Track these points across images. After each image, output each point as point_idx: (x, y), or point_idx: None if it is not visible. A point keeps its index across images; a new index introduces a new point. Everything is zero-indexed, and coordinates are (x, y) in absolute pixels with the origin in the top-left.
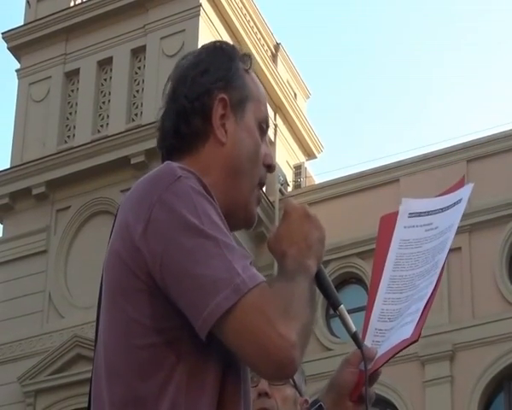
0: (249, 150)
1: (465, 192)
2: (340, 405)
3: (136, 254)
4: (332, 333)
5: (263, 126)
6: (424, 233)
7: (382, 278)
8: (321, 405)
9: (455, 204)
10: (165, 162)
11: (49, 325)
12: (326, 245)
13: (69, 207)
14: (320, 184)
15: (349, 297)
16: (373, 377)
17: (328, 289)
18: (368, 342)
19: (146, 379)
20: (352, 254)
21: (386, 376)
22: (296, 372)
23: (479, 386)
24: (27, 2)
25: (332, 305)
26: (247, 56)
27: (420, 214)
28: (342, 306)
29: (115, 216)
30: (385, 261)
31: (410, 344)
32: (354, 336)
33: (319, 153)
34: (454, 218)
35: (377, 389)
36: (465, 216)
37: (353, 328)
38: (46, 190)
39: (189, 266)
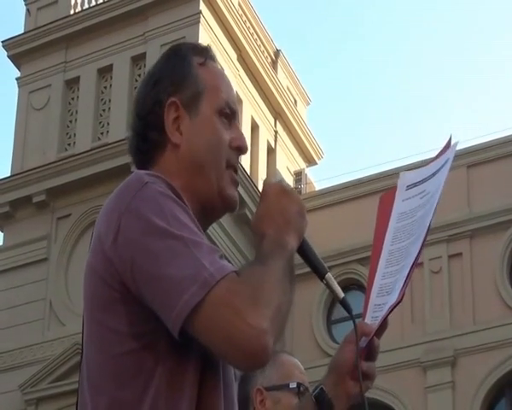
0: (206, 141)
1: (451, 151)
2: (342, 384)
3: (107, 264)
4: (333, 339)
5: (226, 112)
6: (419, 201)
7: (382, 254)
8: (322, 388)
9: (443, 165)
10: (134, 172)
11: (50, 332)
12: (327, 251)
13: (69, 215)
14: (320, 190)
15: (350, 303)
16: (372, 352)
17: (313, 260)
18: (368, 319)
19: (126, 386)
20: (353, 261)
21: (388, 382)
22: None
23: (480, 392)
24: (27, 10)
25: (318, 274)
26: (204, 48)
27: (415, 184)
28: (329, 274)
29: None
30: (384, 239)
31: (395, 307)
32: (343, 302)
33: (319, 159)
34: (441, 178)
35: (379, 395)
36: (466, 222)
37: (341, 294)
38: (46, 198)
39: (156, 269)
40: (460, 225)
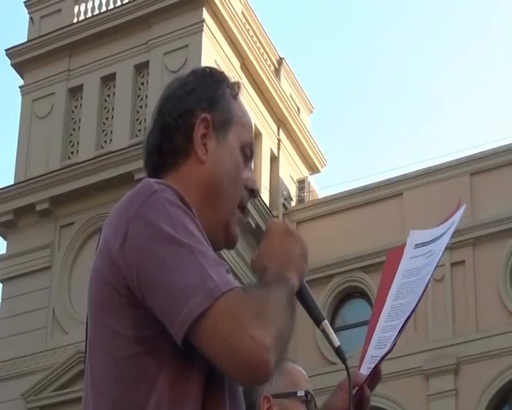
0: (230, 171)
1: (458, 214)
2: None
3: (114, 269)
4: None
5: (246, 151)
6: (424, 260)
7: (384, 308)
8: None
9: (449, 228)
10: (144, 179)
11: (53, 341)
12: (329, 259)
13: (73, 223)
14: (323, 198)
15: (353, 311)
16: (362, 401)
17: (311, 305)
18: (363, 370)
19: (129, 390)
20: (356, 269)
21: (391, 390)
22: (270, 378)
23: (483, 400)
24: (31, 18)
25: (315, 320)
26: (236, 84)
27: (424, 244)
28: (325, 321)
29: (99, 235)
30: (388, 293)
31: (384, 356)
32: (338, 351)
33: (322, 167)
34: (446, 239)
35: (382, 402)
36: (468, 230)
37: (337, 342)
38: (50, 206)
39: (162, 275)
40: (463, 233)
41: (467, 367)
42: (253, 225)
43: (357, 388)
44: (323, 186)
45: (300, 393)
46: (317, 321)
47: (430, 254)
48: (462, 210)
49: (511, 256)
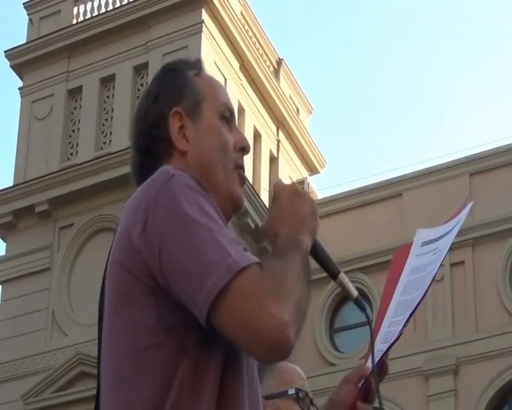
0: (213, 145)
1: (465, 211)
2: None
3: (135, 256)
4: (336, 349)
5: (226, 115)
6: (430, 257)
7: (391, 304)
8: None
9: (456, 225)
10: (161, 167)
11: (53, 342)
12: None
13: (72, 224)
14: (323, 199)
15: (352, 312)
16: (368, 394)
17: (326, 261)
18: (370, 364)
19: (150, 379)
20: (355, 269)
21: (390, 390)
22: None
23: (483, 400)
24: (30, 20)
25: (331, 275)
26: (196, 61)
27: (430, 242)
28: (342, 273)
29: (116, 226)
30: (394, 290)
31: (391, 347)
32: (357, 301)
33: (322, 168)
34: (452, 236)
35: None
36: (468, 230)
37: (355, 293)
38: (49, 207)
39: (182, 257)
40: (462, 233)
41: (466, 368)
42: (253, 226)
43: (363, 380)
44: (323, 187)
45: (291, 391)
46: (334, 275)
47: (436, 252)
48: (468, 208)
49: (510, 257)
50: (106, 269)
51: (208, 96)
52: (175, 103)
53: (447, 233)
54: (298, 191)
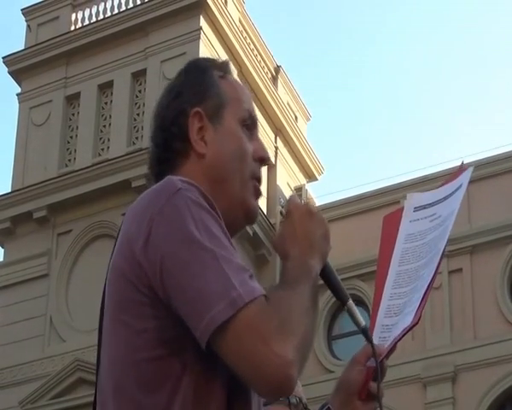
0: (231, 151)
1: (465, 177)
2: (349, 405)
3: (137, 268)
4: (333, 355)
5: (247, 123)
6: (429, 224)
7: (388, 274)
8: (329, 407)
9: (456, 190)
10: (167, 177)
11: (51, 348)
12: None
13: (70, 230)
14: (321, 206)
15: (350, 319)
16: (381, 372)
17: (336, 285)
18: (375, 339)
19: (153, 392)
20: (353, 277)
21: (388, 398)
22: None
23: (481, 408)
24: (28, 26)
25: (340, 300)
26: (223, 62)
27: (424, 207)
28: (350, 301)
29: (118, 231)
30: (390, 259)
31: (411, 329)
32: (364, 331)
33: (320, 175)
34: (455, 203)
35: None
36: (466, 237)
37: (362, 322)
38: (47, 213)
39: (186, 279)
40: (460, 241)
41: (464, 375)
42: (251, 233)
43: (373, 359)
44: (321, 194)
45: (282, 397)
46: (343, 301)
47: (435, 218)
48: (469, 172)
49: (509, 264)
50: (107, 276)
51: (231, 101)
52: (197, 103)
53: (445, 198)
54: (312, 212)
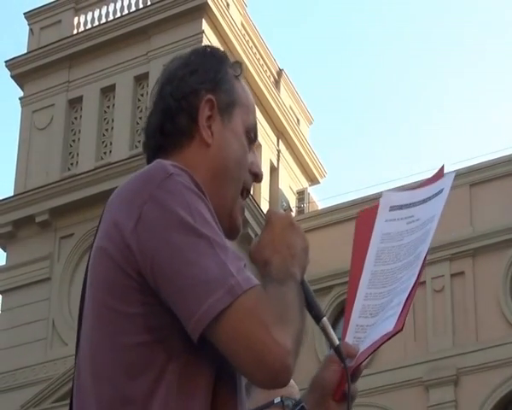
0: (236, 154)
1: (446, 182)
2: (323, 404)
3: (126, 251)
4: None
5: (250, 134)
6: (406, 226)
7: (363, 273)
8: (303, 406)
9: (436, 194)
10: (156, 160)
11: (53, 352)
12: (329, 270)
13: (72, 234)
14: (323, 209)
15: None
16: (355, 374)
17: (311, 301)
18: (349, 339)
19: (135, 379)
20: None
21: (390, 401)
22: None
23: None
24: (31, 30)
25: (315, 317)
26: (238, 64)
27: (401, 207)
28: (325, 318)
29: (101, 216)
30: (365, 256)
31: (394, 335)
32: (337, 350)
33: (322, 178)
34: (436, 208)
35: None
36: (468, 241)
37: (336, 341)
38: (49, 217)
39: (180, 266)
40: (462, 244)
41: (467, 378)
42: (253, 236)
43: (349, 359)
44: (323, 197)
45: (277, 400)
46: (317, 318)
47: (412, 220)
48: (451, 178)
49: (511, 267)
50: (89, 260)
51: (242, 105)
52: (210, 90)
53: (423, 201)
54: (293, 223)
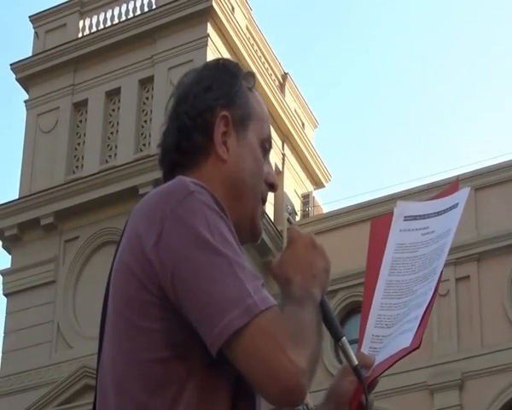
0: (251, 168)
1: (461, 196)
2: None
3: (147, 266)
4: (341, 362)
5: (265, 146)
6: (420, 237)
7: (378, 282)
8: None
9: (451, 208)
10: (178, 177)
11: (58, 355)
12: (334, 274)
13: (77, 237)
14: (328, 213)
15: (356, 326)
16: (371, 384)
17: (331, 321)
18: (365, 349)
19: (155, 394)
20: (360, 284)
21: (395, 405)
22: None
23: None
24: (36, 33)
25: (334, 337)
26: (251, 75)
27: (415, 218)
28: (344, 338)
29: (123, 229)
30: (380, 265)
31: (411, 352)
32: (356, 370)
33: (327, 182)
34: (451, 222)
35: None
36: (473, 245)
37: (355, 361)
38: (54, 220)
39: (200, 283)
40: (467, 248)
41: (472, 383)
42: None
43: (365, 370)
44: (328, 201)
45: None
46: (336, 337)
47: (427, 232)
48: (466, 192)
49: None
50: (111, 272)
51: (256, 118)
52: (225, 105)
53: (438, 213)
54: (315, 243)
